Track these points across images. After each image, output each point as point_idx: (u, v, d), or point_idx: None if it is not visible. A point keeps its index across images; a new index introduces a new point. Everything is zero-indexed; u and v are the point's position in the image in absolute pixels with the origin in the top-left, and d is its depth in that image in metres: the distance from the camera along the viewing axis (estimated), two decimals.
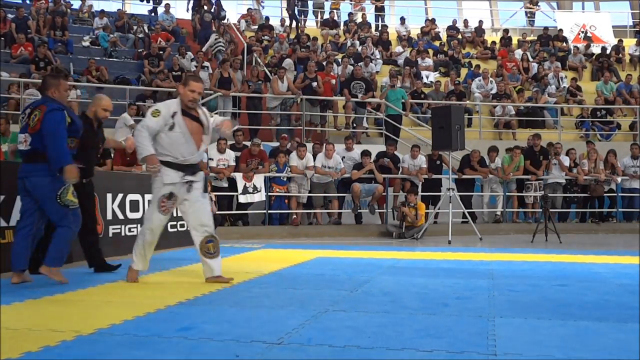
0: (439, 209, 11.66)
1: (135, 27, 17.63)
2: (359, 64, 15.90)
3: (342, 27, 20.77)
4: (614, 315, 4.27)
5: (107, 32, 16.67)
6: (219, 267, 5.57)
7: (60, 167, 5.21)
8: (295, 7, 20.82)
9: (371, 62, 16.96)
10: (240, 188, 11.03)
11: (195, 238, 5.50)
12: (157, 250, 8.07)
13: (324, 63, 15.30)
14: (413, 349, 3.34)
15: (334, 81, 14.48)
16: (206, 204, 5.68)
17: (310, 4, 21.74)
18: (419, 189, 11.85)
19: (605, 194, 12.82)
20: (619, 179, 12.69)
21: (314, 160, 11.56)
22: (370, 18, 21.86)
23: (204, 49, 16.36)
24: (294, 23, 20.48)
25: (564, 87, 17.02)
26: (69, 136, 5.34)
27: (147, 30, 17.54)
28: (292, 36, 19.05)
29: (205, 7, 17.84)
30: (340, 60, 16.70)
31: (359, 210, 11.76)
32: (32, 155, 5.31)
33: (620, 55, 19.73)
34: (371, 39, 18.96)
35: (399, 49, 19.16)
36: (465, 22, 21.90)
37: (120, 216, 7.94)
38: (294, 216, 11.62)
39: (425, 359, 3.19)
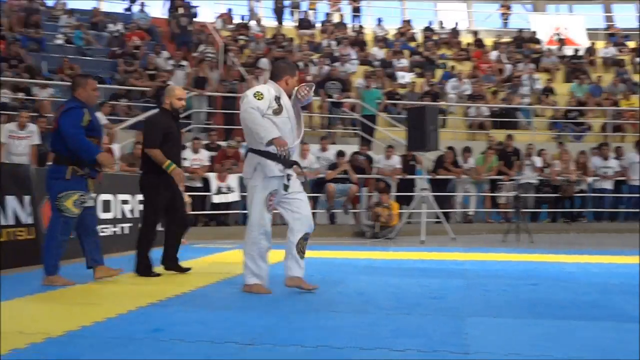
0: (412, 209, 11.70)
1: (110, 25, 17.44)
2: (335, 64, 15.92)
3: (319, 27, 20.75)
4: (585, 314, 4.33)
5: (81, 30, 16.47)
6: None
7: (94, 159, 5.22)
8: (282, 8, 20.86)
9: (347, 62, 16.98)
10: (214, 188, 10.98)
11: (293, 235, 5.08)
12: (128, 252, 8.02)
13: (300, 63, 15.28)
14: (386, 348, 3.35)
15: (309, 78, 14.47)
16: (305, 199, 5.26)
17: (287, 3, 21.70)
18: (393, 189, 11.90)
19: (576, 194, 12.97)
20: (590, 180, 12.85)
21: None
22: (347, 19, 21.88)
23: None
24: (274, 23, 20.40)
25: (538, 88, 17.19)
26: (88, 136, 5.27)
27: (122, 29, 17.36)
28: (268, 36, 18.99)
29: (182, 11, 17.53)
30: (316, 60, 16.69)
31: (333, 210, 11.77)
32: (54, 155, 5.44)
33: (593, 57, 19.98)
34: (347, 40, 18.99)
35: (375, 49, 19.21)
36: (441, 23, 22.02)
37: None
38: None
39: (399, 359, 3.20)
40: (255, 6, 21.20)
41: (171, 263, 6.26)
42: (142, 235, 6.08)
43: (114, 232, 8.22)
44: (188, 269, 6.27)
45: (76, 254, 5.94)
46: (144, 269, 5.98)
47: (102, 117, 11.83)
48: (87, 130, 5.26)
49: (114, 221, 8.22)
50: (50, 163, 5.43)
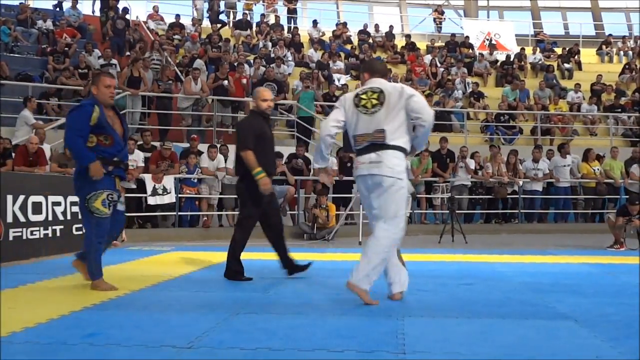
0: (350, 210, 11.79)
1: (38, 21, 16.92)
2: (271, 65, 15.89)
3: (254, 28, 20.67)
4: (517, 312, 4.43)
5: (7, 27, 15.93)
6: None
7: (83, 165, 5.07)
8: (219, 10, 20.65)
9: (283, 63, 16.98)
10: (149, 189, 10.79)
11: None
12: (59, 254, 7.82)
13: (235, 64, 15.19)
14: (324, 349, 3.36)
15: (244, 81, 14.40)
16: None
17: (222, 4, 21.53)
18: (331, 191, 11.95)
19: (508, 196, 13.30)
20: (521, 182, 13.20)
21: (225, 161, 11.46)
22: (283, 20, 21.86)
23: None
24: (209, 23, 20.16)
25: (470, 92, 17.57)
26: (101, 133, 5.12)
27: (52, 26, 16.88)
28: (203, 36, 18.80)
29: (114, 14, 17.02)
30: (252, 61, 16.62)
31: None
32: None
33: (522, 62, 20.56)
34: (283, 41, 18.99)
35: (311, 51, 19.27)
36: (377, 26, 22.28)
37: (22, 219, 7.60)
38: (205, 218, 11.48)
39: (336, 359, 3.21)
40: (202, 7, 20.94)
41: (292, 267, 6.19)
42: (236, 241, 5.96)
43: (45, 234, 7.97)
44: (307, 266, 6.20)
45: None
46: (234, 274, 5.86)
47: (29, 117, 11.54)
48: (95, 128, 5.09)
49: (45, 223, 7.98)
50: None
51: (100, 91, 5.23)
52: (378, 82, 4.82)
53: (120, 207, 5.44)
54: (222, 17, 21.40)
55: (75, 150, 5.15)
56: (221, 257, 7.67)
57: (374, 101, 4.70)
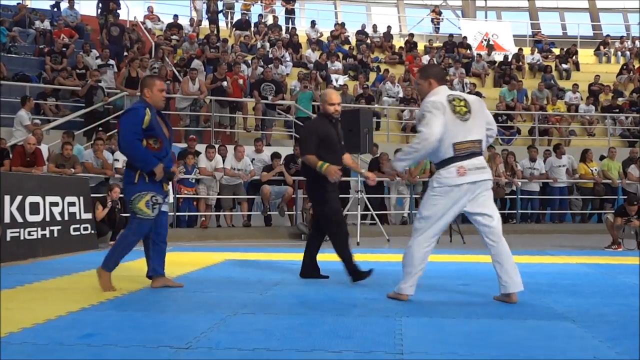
0: (347, 210, 11.77)
1: (36, 21, 16.89)
2: (269, 65, 15.89)
3: (252, 28, 20.67)
4: (515, 312, 4.43)
5: (5, 27, 15.90)
6: None
7: (149, 170, 5.08)
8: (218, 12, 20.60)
9: (281, 64, 16.98)
10: None
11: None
12: (57, 255, 7.81)
13: (233, 64, 15.18)
14: (322, 349, 3.36)
15: (241, 81, 14.39)
16: None
17: (220, 4, 21.51)
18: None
19: (506, 196, 13.30)
20: (519, 182, 13.21)
21: (223, 162, 11.46)
22: (281, 21, 21.86)
23: None
24: (207, 24, 20.11)
25: (468, 92, 17.57)
26: (151, 136, 5.12)
27: (49, 26, 16.85)
28: (201, 36, 18.79)
29: (110, 19, 16.90)
30: (250, 61, 16.62)
31: (268, 213, 11.73)
32: (127, 161, 5.39)
33: (520, 63, 20.58)
34: (281, 42, 18.99)
35: (309, 52, 19.27)
36: (374, 27, 22.27)
37: (19, 219, 7.59)
38: (203, 218, 11.47)
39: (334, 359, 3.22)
40: (201, 7, 20.89)
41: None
42: (337, 240, 5.91)
43: (43, 235, 7.96)
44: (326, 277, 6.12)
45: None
46: (354, 272, 5.81)
47: (24, 117, 11.52)
48: (146, 131, 5.09)
49: (42, 224, 7.97)
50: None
51: (154, 94, 5.24)
52: (448, 90, 4.86)
53: (165, 207, 5.47)
54: (220, 17, 21.39)
55: (137, 153, 5.09)
56: (220, 257, 7.69)
57: (464, 109, 4.71)
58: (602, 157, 14.14)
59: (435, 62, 19.37)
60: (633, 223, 9.27)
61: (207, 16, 20.58)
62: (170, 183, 5.46)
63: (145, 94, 5.27)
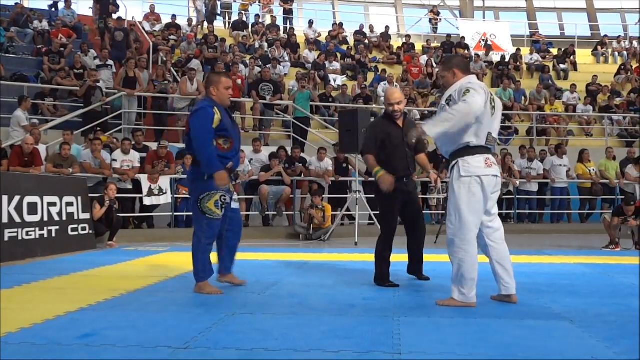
0: (346, 211, 11.78)
1: (34, 21, 16.85)
2: (267, 66, 15.89)
3: (250, 28, 20.67)
4: (513, 312, 4.44)
5: (3, 27, 15.88)
6: None
7: (210, 173, 4.99)
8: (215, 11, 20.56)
9: (279, 64, 16.98)
10: (145, 190, 10.77)
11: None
12: (55, 255, 7.81)
13: (231, 64, 15.18)
14: (320, 349, 3.36)
15: (239, 81, 14.39)
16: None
17: (218, 4, 21.50)
18: (326, 191, 11.95)
19: (503, 197, 13.29)
20: (517, 182, 13.22)
21: None
22: (279, 21, 21.86)
23: None
24: (206, 24, 20.09)
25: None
26: (221, 136, 5.07)
27: (47, 26, 16.82)
28: (199, 36, 18.79)
29: (116, 25, 16.78)
30: (248, 61, 16.62)
31: (266, 213, 11.73)
32: (192, 159, 5.28)
33: (518, 63, 20.59)
34: (279, 42, 18.98)
35: (306, 52, 19.27)
36: (371, 27, 22.23)
37: (17, 219, 7.59)
38: None
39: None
40: (202, 8, 20.87)
41: (417, 273, 6.19)
42: (380, 244, 5.93)
43: (41, 235, 7.96)
44: (428, 278, 6.13)
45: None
46: (379, 277, 5.80)
47: (22, 118, 11.51)
48: (218, 130, 5.03)
49: (40, 224, 7.97)
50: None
51: (220, 92, 5.17)
52: (473, 80, 4.73)
53: (235, 205, 5.42)
54: (218, 17, 21.37)
55: (205, 155, 4.99)
56: (217, 257, 7.68)
57: (493, 103, 4.66)
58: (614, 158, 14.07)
59: (434, 63, 19.40)
60: (630, 223, 9.29)
61: (205, 17, 20.56)
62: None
63: (211, 92, 5.18)
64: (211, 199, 5.04)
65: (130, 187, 10.80)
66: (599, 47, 23.06)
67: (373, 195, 6.36)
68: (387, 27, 22.27)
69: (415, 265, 6.22)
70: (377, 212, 6.14)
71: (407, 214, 6.11)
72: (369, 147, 5.83)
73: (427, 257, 8.12)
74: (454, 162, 4.64)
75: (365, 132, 6.29)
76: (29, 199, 7.82)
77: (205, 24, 20.15)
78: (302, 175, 12.03)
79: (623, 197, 11.65)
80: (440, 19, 25.08)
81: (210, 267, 5.21)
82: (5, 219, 7.35)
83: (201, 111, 5.06)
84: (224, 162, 5.10)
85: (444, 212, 11.48)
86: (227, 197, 5.17)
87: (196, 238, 5.17)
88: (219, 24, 21.47)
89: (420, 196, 12.84)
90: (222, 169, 5.01)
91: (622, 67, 20.84)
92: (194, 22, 20.15)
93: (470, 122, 4.46)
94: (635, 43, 22.89)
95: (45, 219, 8.09)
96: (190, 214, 11.29)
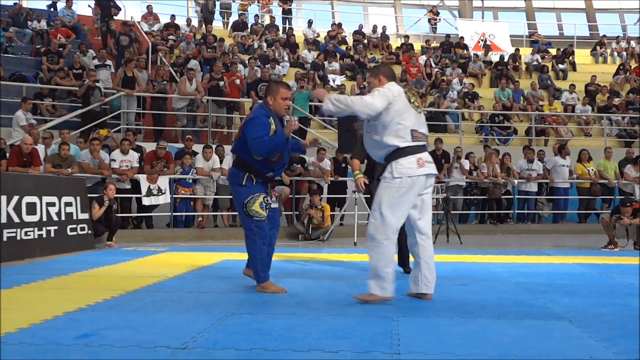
0: (344, 211, 11.78)
1: (33, 21, 16.82)
2: (266, 66, 15.88)
3: (249, 28, 20.66)
4: (512, 312, 4.44)
5: (2, 27, 15.86)
6: None
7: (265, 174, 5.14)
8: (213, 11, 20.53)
9: (278, 64, 16.97)
10: (144, 190, 10.77)
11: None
12: (54, 255, 7.80)
13: (229, 64, 15.17)
14: (319, 350, 3.36)
15: (238, 81, 14.38)
16: None
17: (217, 4, 21.49)
18: (325, 191, 11.95)
19: (503, 197, 13.31)
20: (516, 182, 13.22)
21: (221, 162, 11.45)
22: (278, 21, 21.84)
23: None
24: (204, 25, 20.06)
25: (465, 92, 17.58)
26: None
27: (46, 26, 16.81)
28: (198, 36, 18.78)
29: (115, 28, 16.70)
30: (247, 61, 16.61)
31: None
32: (233, 161, 5.35)
33: (517, 63, 20.59)
34: (278, 42, 18.97)
35: (305, 52, 19.26)
36: (374, 27, 22.08)
37: (16, 219, 7.58)
38: (200, 218, 11.46)
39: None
40: (198, 6, 20.86)
41: (404, 266, 6.55)
42: None
43: (39, 235, 7.96)
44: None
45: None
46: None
47: (21, 117, 11.52)
48: None
49: (39, 224, 7.96)
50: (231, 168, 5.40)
51: (277, 102, 5.18)
52: (393, 87, 4.87)
53: (275, 205, 5.47)
54: (217, 17, 21.37)
55: (269, 148, 5.04)
56: (217, 257, 7.69)
57: (417, 103, 4.91)
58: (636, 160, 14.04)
59: (433, 63, 19.40)
60: (623, 220, 9.26)
61: (202, 17, 20.51)
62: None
63: (268, 101, 5.20)
64: (256, 201, 5.11)
65: (128, 187, 10.80)
66: (598, 47, 23.07)
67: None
68: (384, 27, 22.17)
69: (404, 260, 6.59)
70: None
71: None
72: (357, 153, 6.32)
73: None
74: (387, 165, 4.78)
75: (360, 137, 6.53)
76: (27, 199, 7.82)
77: (202, 24, 20.13)
78: (301, 176, 12.03)
79: (622, 197, 11.65)
80: (439, 19, 25.08)
81: (268, 268, 5.32)
82: (4, 219, 7.35)
83: (257, 120, 5.08)
84: (266, 172, 5.18)
85: (442, 212, 11.49)
86: (269, 198, 5.24)
87: (250, 240, 5.23)
88: (218, 24, 21.46)
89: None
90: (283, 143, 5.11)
91: (621, 67, 20.85)
92: (193, 22, 20.13)
93: (366, 114, 4.68)
94: (633, 43, 22.90)
95: (44, 219, 8.09)
96: (189, 213, 11.38)
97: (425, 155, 4.77)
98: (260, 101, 5.33)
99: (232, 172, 5.30)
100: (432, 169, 4.80)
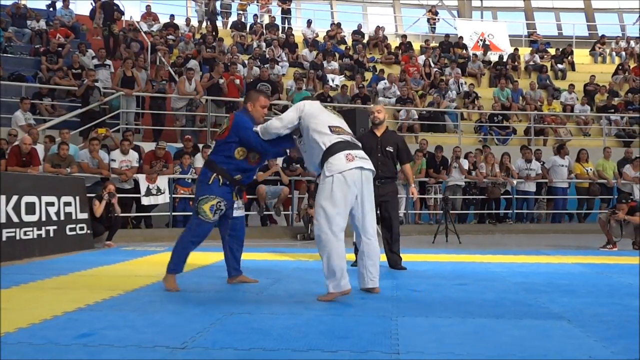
0: None
1: (32, 21, 16.81)
2: (265, 65, 15.88)
3: (248, 28, 20.66)
4: (511, 312, 4.44)
5: (1, 27, 15.85)
6: None
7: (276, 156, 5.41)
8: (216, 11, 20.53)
9: (277, 64, 16.97)
10: (143, 190, 10.77)
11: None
12: (53, 255, 7.80)
13: (229, 64, 15.18)
14: (318, 349, 3.36)
15: (237, 81, 14.38)
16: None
17: (217, 4, 21.49)
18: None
19: (502, 196, 13.32)
20: (515, 182, 13.23)
21: None
22: (277, 21, 21.84)
23: None
24: (207, 24, 20.02)
25: (464, 92, 17.58)
26: (250, 151, 5.23)
27: (45, 26, 16.80)
28: (197, 36, 18.77)
29: (132, 35, 16.64)
30: (246, 61, 16.61)
31: (264, 212, 11.73)
32: (204, 162, 5.53)
33: (516, 63, 20.60)
34: (277, 41, 18.98)
35: (305, 51, 19.26)
36: (377, 29, 22.00)
37: (15, 219, 7.58)
38: None
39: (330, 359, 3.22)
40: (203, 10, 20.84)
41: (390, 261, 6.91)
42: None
43: (39, 235, 7.95)
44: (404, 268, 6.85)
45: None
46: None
47: (20, 117, 11.52)
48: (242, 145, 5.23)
49: (38, 224, 7.96)
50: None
51: (256, 109, 5.31)
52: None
53: (238, 213, 5.55)
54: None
55: (261, 144, 5.19)
56: (216, 257, 7.67)
57: (333, 112, 5.16)
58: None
59: (432, 62, 19.40)
60: (618, 215, 9.23)
61: (205, 17, 20.51)
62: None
63: (248, 107, 5.33)
64: (208, 202, 5.21)
65: (129, 187, 10.80)
66: (597, 47, 23.07)
67: None
68: (382, 27, 22.12)
69: (395, 258, 6.95)
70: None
71: (382, 214, 6.85)
72: None
73: (426, 257, 8.17)
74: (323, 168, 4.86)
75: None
76: (26, 198, 7.81)
77: (205, 24, 20.11)
78: (300, 175, 12.03)
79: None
80: (438, 19, 25.09)
81: (182, 265, 5.39)
82: (3, 219, 7.34)
83: (242, 117, 5.27)
84: (234, 174, 5.28)
85: (441, 211, 11.50)
86: (223, 204, 5.28)
87: (184, 233, 5.41)
88: (217, 23, 21.43)
89: (419, 196, 12.97)
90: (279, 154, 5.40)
91: (620, 67, 20.86)
92: (192, 22, 20.11)
93: (282, 130, 5.03)
94: (633, 43, 22.92)
95: (43, 218, 8.09)
96: (189, 213, 11.35)
97: (356, 152, 4.83)
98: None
99: (202, 171, 5.44)
100: (363, 163, 4.83)
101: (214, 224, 5.34)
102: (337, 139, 4.80)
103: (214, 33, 18.46)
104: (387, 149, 6.95)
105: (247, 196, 11.67)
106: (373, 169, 4.94)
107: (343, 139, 4.84)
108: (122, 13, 17.63)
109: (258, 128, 5.11)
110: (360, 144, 5.00)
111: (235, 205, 5.46)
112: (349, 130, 5.04)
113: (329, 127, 4.85)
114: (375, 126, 7.04)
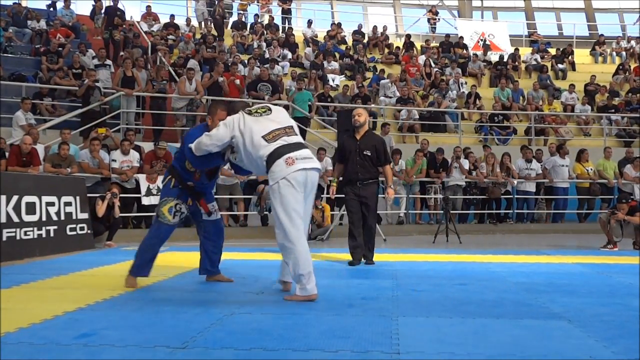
0: (344, 210, 11.76)
1: (32, 21, 16.81)
2: (266, 65, 15.87)
3: (248, 28, 20.65)
4: (511, 312, 4.44)
5: (2, 27, 15.86)
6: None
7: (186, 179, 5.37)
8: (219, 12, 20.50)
9: (277, 64, 16.96)
10: (143, 190, 10.76)
11: None
12: (53, 255, 7.80)
13: (229, 64, 15.17)
14: (319, 349, 3.36)
15: (238, 81, 14.37)
16: None
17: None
18: (325, 191, 11.94)
19: (502, 196, 13.31)
20: (515, 182, 13.23)
21: None
22: (277, 20, 21.84)
23: None
24: (208, 24, 20.01)
25: (464, 92, 17.58)
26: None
27: (45, 26, 16.80)
28: (197, 36, 18.77)
29: (133, 41, 16.59)
30: (246, 61, 16.60)
31: (264, 212, 11.72)
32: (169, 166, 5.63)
33: (517, 63, 20.59)
34: (278, 41, 18.97)
35: (308, 50, 19.25)
36: (374, 28, 22.02)
37: (16, 219, 7.58)
38: None
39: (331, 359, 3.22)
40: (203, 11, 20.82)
41: (366, 258, 7.33)
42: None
43: (39, 234, 7.95)
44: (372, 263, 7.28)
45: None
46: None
47: (21, 117, 11.52)
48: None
49: (38, 224, 7.96)
50: None
51: (215, 123, 5.23)
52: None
53: (215, 216, 5.70)
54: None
55: (193, 160, 5.20)
56: None
57: (262, 109, 5.03)
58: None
59: (432, 62, 19.39)
60: (618, 215, 9.23)
61: (210, 18, 20.46)
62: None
63: (208, 121, 5.32)
64: (166, 204, 5.30)
65: (129, 187, 10.79)
66: (597, 47, 23.06)
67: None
68: (384, 27, 22.15)
69: (365, 252, 7.33)
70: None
71: (362, 213, 7.28)
72: (337, 158, 7.45)
73: (427, 257, 8.17)
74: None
75: None
76: (27, 198, 7.81)
77: (204, 24, 20.09)
78: None
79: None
80: (439, 19, 25.08)
81: (149, 268, 5.44)
82: (3, 219, 7.34)
83: (195, 129, 5.39)
84: (185, 179, 5.39)
85: (442, 211, 11.49)
86: (182, 206, 5.37)
87: (146, 236, 5.48)
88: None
89: (419, 196, 12.98)
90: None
91: (621, 67, 20.86)
92: (192, 22, 20.10)
93: (215, 147, 4.99)
94: (633, 43, 22.91)
95: (44, 218, 8.09)
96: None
97: (295, 153, 4.77)
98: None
99: (165, 173, 5.59)
100: (305, 163, 4.78)
101: (175, 226, 5.39)
102: (273, 147, 4.73)
103: (217, 35, 18.43)
104: (365, 152, 7.13)
105: (248, 196, 11.71)
106: (317, 166, 4.89)
107: (279, 144, 4.76)
108: (124, 20, 17.61)
109: (192, 144, 5.05)
110: (302, 141, 4.95)
111: (213, 209, 5.59)
112: (287, 124, 4.94)
113: (262, 137, 4.77)
114: (355, 129, 7.25)
